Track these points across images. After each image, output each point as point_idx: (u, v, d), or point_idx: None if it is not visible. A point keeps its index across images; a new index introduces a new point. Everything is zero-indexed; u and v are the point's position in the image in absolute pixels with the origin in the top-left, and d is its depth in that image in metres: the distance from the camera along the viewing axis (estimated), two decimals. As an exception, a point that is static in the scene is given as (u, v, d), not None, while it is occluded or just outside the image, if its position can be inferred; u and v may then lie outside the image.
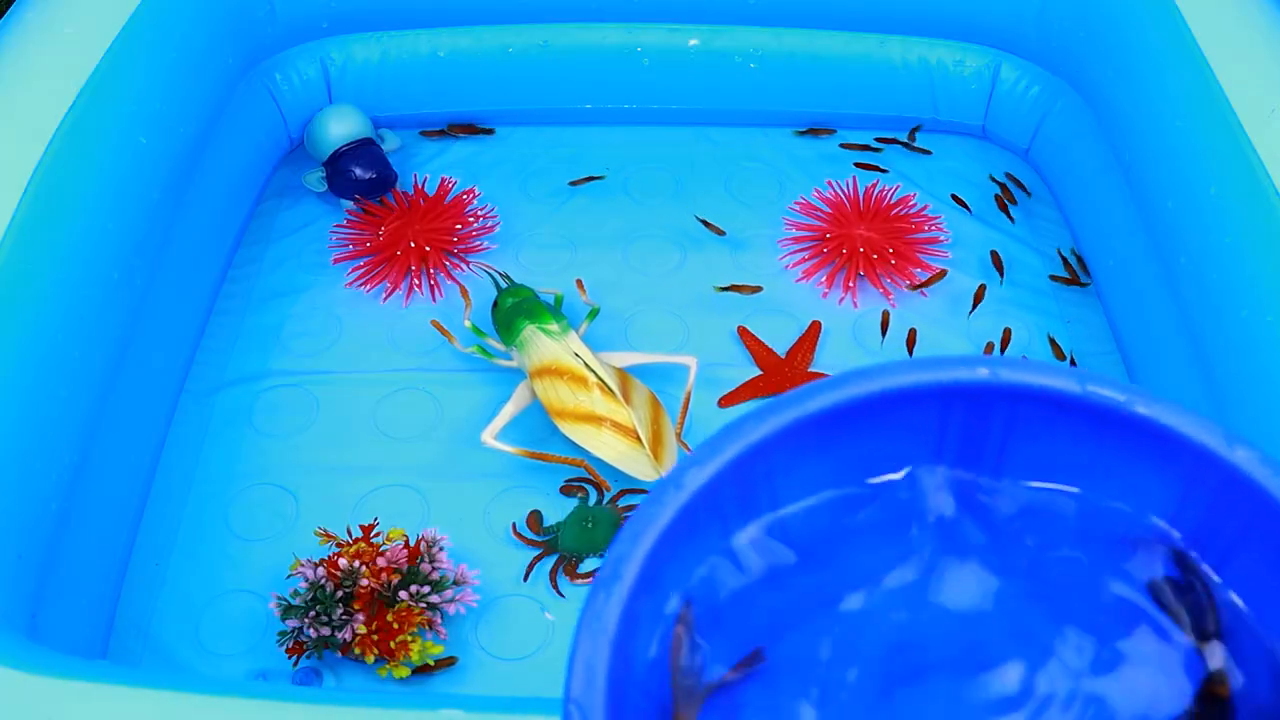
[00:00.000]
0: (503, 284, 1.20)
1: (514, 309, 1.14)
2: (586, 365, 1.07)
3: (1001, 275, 1.26)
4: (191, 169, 1.15)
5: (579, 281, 1.22)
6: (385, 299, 1.24)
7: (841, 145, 1.40)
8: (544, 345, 1.10)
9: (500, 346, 1.15)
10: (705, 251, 1.29)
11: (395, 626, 0.92)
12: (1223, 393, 0.98)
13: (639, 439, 1.04)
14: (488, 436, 1.06)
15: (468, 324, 1.17)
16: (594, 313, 1.18)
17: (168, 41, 1.12)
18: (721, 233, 1.30)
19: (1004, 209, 1.33)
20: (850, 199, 1.33)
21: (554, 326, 1.11)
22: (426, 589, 0.94)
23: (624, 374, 1.10)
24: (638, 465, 1.04)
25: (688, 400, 1.09)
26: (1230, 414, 0.96)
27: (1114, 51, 1.19)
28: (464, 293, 1.22)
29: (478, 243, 1.29)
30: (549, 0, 1.34)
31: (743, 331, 1.20)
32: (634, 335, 1.21)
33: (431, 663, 0.93)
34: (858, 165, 1.37)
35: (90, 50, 1.04)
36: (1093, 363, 1.19)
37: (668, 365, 1.14)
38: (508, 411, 1.08)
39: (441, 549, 0.97)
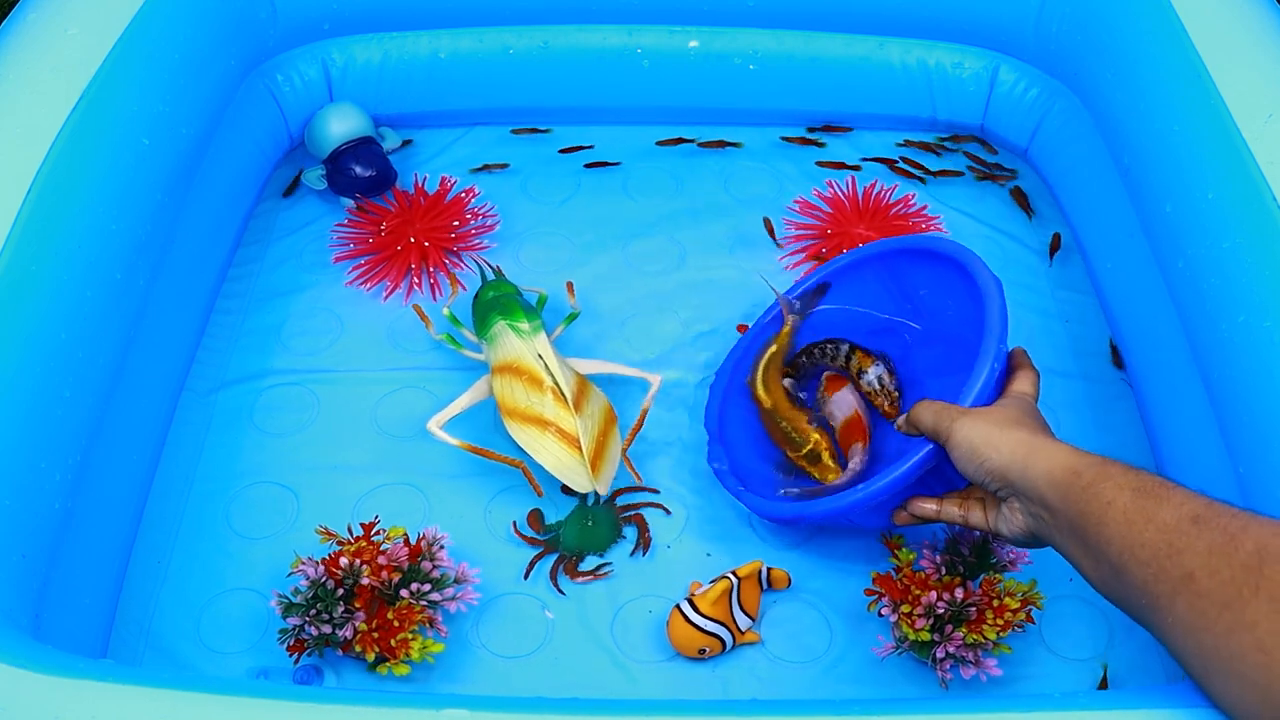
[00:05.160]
0: (489, 276, 1.20)
1: (491, 303, 1.14)
2: (546, 368, 1.07)
3: (1052, 256, 1.29)
4: (193, 169, 1.16)
5: (569, 284, 1.22)
6: (386, 298, 1.24)
7: (863, 158, 1.40)
8: (510, 342, 1.09)
9: (474, 338, 1.15)
10: (706, 251, 1.29)
11: (396, 624, 0.92)
12: (1219, 395, 0.98)
13: (580, 448, 1.03)
14: (434, 426, 1.05)
15: (446, 312, 1.17)
16: (572, 316, 1.18)
17: (171, 43, 1.12)
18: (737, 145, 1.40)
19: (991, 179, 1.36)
20: (850, 199, 1.33)
21: (524, 325, 1.10)
22: (427, 587, 0.94)
23: (584, 382, 1.09)
24: (574, 475, 1.03)
25: (643, 417, 1.08)
26: (1225, 414, 0.97)
27: (1112, 55, 1.19)
28: (453, 281, 1.23)
29: (478, 241, 1.30)
30: (549, 2, 1.35)
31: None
32: (632, 334, 1.21)
33: (431, 659, 0.94)
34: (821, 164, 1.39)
35: (93, 51, 1.04)
36: (1091, 362, 1.19)
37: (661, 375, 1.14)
38: (461, 403, 1.08)
39: (442, 547, 0.97)
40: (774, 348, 1.11)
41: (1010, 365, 0.93)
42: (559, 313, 1.19)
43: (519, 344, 1.09)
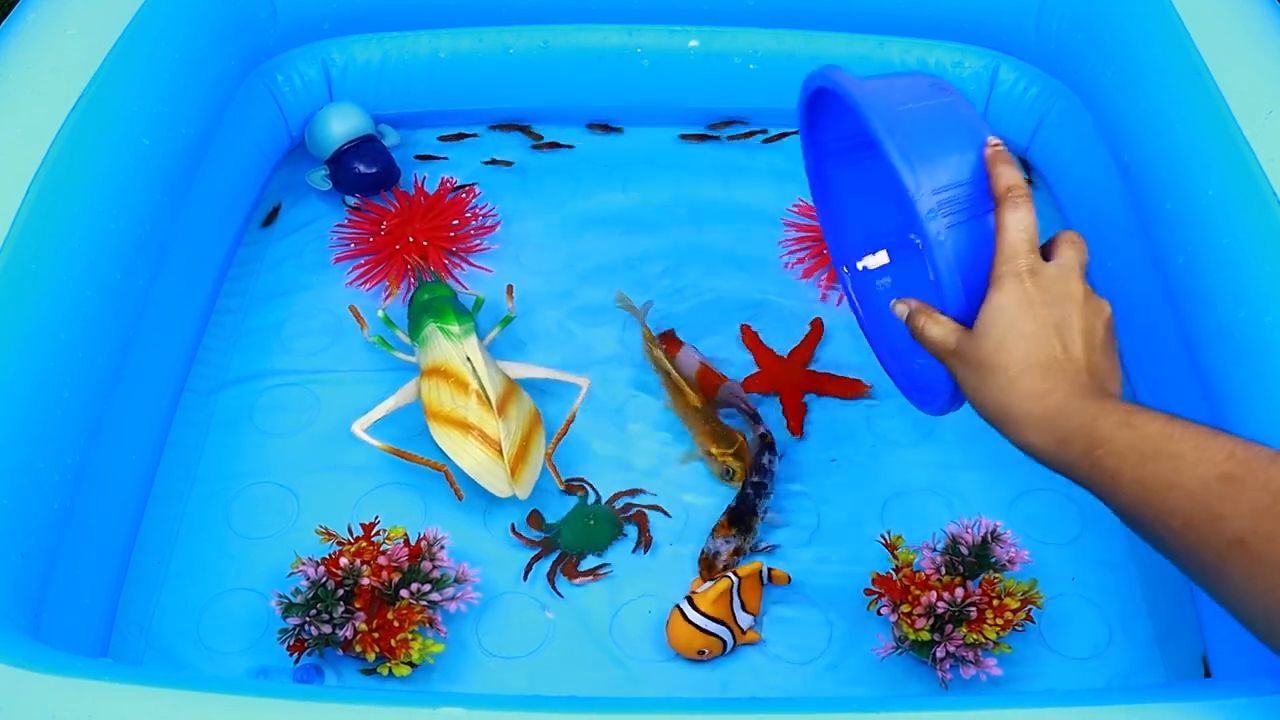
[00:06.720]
0: (427, 280, 1.20)
1: (423, 306, 1.14)
2: (473, 371, 1.07)
3: None
4: (193, 169, 1.16)
5: (509, 288, 1.22)
6: (386, 298, 1.24)
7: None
8: (440, 345, 1.09)
9: (408, 341, 1.15)
10: (706, 252, 1.29)
11: (396, 624, 0.92)
12: (1218, 392, 0.98)
13: (501, 452, 1.03)
14: (358, 429, 1.06)
15: (381, 314, 1.18)
16: (506, 320, 1.18)
17: (170, 43, 1.12)
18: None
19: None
20: (849, 199, 1.33)
21: (454, 328, 1.10)
22: (427, 587, 0.94)
23: (512, 386, 1.09)
24: (493, 479, 1.03)
25: (569, 422, 1.08)
26: (1226, 413, 0.97)
27: (1112, 54, 1.19)
28: (393, 283, 1.23)
29: (477, 242, 1.30)
30: (549, 1, 1.35)
31: (745, 330, 1.20)
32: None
33: (431, 659, 0.94)
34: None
35: (93, 51, 1.04)
36: (1091, 363, 1.19)
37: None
38: (387, 406, 1.08)
39: (442, 548, 0.97)
40: (671, 371, 1.14)
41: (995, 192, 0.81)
42: (519, 314, 1.20)
43: (447, 346, 1.09)
